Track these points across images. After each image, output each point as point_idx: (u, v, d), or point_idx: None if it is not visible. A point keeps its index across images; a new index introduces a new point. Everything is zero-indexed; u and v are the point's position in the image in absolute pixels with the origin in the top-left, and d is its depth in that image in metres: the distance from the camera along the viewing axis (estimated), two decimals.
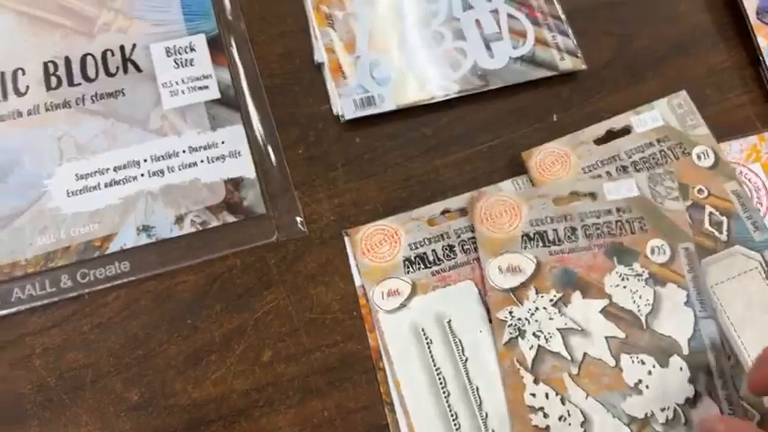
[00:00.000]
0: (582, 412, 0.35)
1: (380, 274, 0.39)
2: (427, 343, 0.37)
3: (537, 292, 0.37)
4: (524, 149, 0.42)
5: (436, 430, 0.35)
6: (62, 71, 0.41)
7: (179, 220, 0.39)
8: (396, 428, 0.36)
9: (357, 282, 0.39)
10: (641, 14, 0.48)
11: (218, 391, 0.36)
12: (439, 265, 0.39)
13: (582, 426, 0.35)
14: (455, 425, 0.35)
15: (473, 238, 0.39)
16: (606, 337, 0.37)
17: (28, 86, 0.41)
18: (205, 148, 0.41)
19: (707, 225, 0.39)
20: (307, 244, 0.40)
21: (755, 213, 0.40)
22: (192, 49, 0.43)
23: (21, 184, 0.39)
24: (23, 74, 0.41)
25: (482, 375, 0.36)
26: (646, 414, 0.35)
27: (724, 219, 0.40)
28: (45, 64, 0.41)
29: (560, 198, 0.40)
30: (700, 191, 0.40)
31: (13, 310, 0.36)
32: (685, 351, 0.36)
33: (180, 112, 0.41)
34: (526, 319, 0.37)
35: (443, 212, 0.40)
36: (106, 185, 0.39)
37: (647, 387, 0.36)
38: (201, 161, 0.40)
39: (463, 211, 0.40)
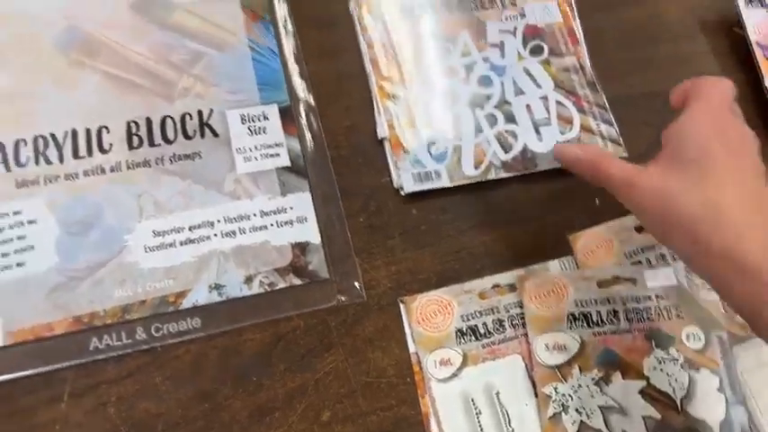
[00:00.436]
0: None
1: (434, 343, 0.41)
2: (476, 412, 0.40)
3: (580, 371, 0.40)
4: (569, 230, 0.45)
5: None
6: (143, 131, 0.44)
7: (248, 280, 0.42)
8: None
9: (411, 348, 0.41)
10: None
11: None
12: (489, 337, 0.41)
13: None
14: None
15: (522, 314, 0.42)
16: (644, 417, 0.39)
17: (111, 144, 0.44)
18: (275, 213, 0.43)
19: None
20: (365, 309, 0.42)
21: None
22: (266, 118, 0.46)
23: (102, 238, 0.41)
24: (107, 132, 0.44)
25: None
26: None
27: None
28: (128, 123, 0.44)
29: (604, 281, 0.43)
30: None
31: (91, 359, 0.39)
32: None
33: (252, 178, 0.44)
34: (570, 395, 0.40)
35: (494, 287, 0.43)
36: (182, 243, 0.42)
37: None
38: (271, 225, 0.43)
39: (512, 287, 0.43)
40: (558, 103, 0.50)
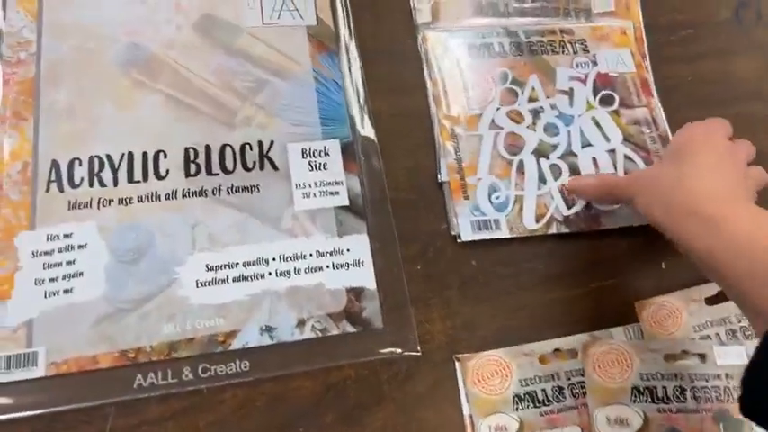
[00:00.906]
0: None
1: (489, 407, 0.39)
2: None
3: None
4: (633, 294, 0.43)
5: None
6: (201, 159, 0.43)
7: (300, 323, 0.40)
8: None
9: (465, 410, 0.39)
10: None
11: None
12: (548, 405, 0.39)
13: None
14: None
15: (583, 382, 0.40)
16: None
17: (168, 170, 0.42)
18: (331, 254, 0.42)
19: None
20: (418, 364, 0.40)
21: None
22: (327, 154, 0.44)
23: (153, 268, 0.40)
24: (165, 157, 0.43)
25: None
26: None
27: None
28: (186, 150, 0.43)
29: (671, 355, 0.41)
30: None
31: (135, 396, 0.37)
32: None
33: (310, 215, 0.42)
34: None
35: (555, 351, 0.41)
36: (234, 280, 0.40)
37: None
38: (327, 266, 0.41)
39: (574, 353, 0.41)
40: (627, 157, 0.48)
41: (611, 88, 0.51)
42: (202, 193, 0.42)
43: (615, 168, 0.47)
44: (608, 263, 0.45)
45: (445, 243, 0.44)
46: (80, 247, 0.40)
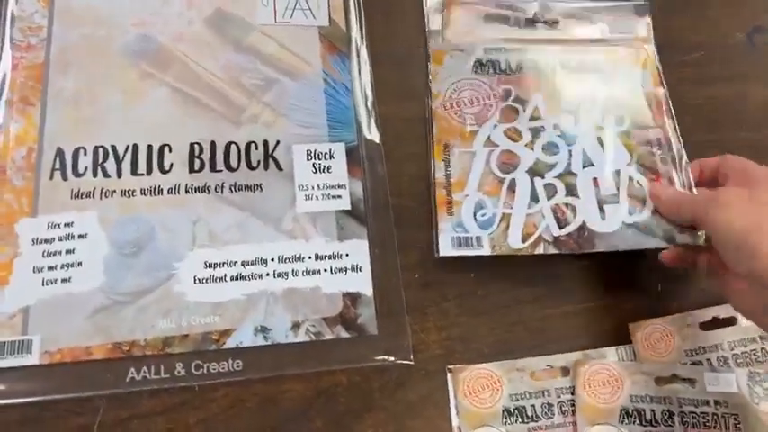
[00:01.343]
0: None
1: (478, 420, 0.39)
2: None
3: None
4: (628, 315, 0.43)
5: None
6: (206, 155, 0.43)
7: (295, 326, 0.40)
8: None
9: (454, 422, 0.40)
10: None
11: None
12: (536, 421, 0.40)
13: None
14: None
15: (572, 400, 0.40)
16: None
17: (172, 164, 0.42)
18: (330, 258, 0.42)
19: None
20: (411, 373, 0.41)
21: None
22: (332, 157, 0.44)
23: (152, 262, 0.40)
24: (170, 151, 0.43)
25: None
26: None
27: None
28: (191, 145, 0.43)
29: (662, 378, 0.41)
30: None
31: (127, 390, 0.37)
32: None
33: (311, 218, 0.42)
34: None
35: (547, 367, 0.41)
36: (232, 278, 0.40)
37: None
38: (325, 270, 0.41)
39: (566, 370, 0.41)
40: (632, 179, 0.46)
41: (623, 108, 0.49)
42: (205, 189, 0.42)
43: (618, 190, 0.46)
44: (605, 283, 0.45)
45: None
46: (80, 236, 0.40)
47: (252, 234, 0.42)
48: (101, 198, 0.41)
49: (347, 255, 0.42)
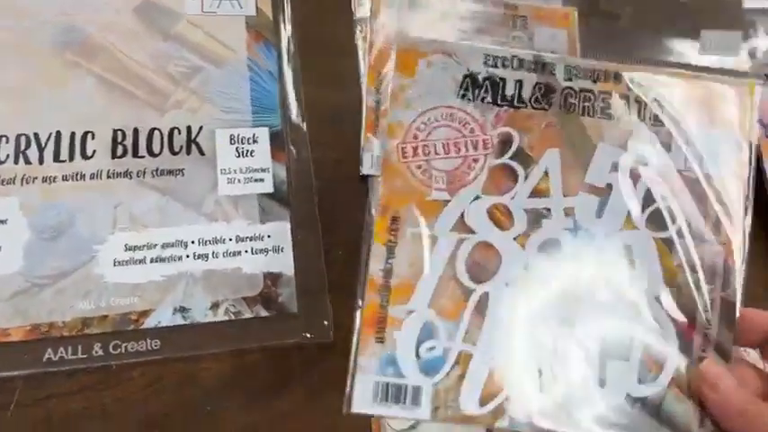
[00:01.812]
0: None
1: None
2: None
3: None
4: None
5: None
6: (129, 141, 0.43)
7: (215, 306, 0.41)
8: None
9: None
10: None
11: None
12: None
13: None
14: None
15: None
16: None
17: (95, 151, 0.43)
18: (251, 240, 0.43)
19: None
20: (330, 349, 0.41)
21: None
22: (255, 141, 0.45)
23: (72, 246, 0.40)
24: (93, 138, 0.43)
25: None
26: None
27: None
28: (114, 131, 0.44)
29: None
30: None
31: (44, 370, 0.38)
32: None
33: (233, 201, 0.43)
34: None
35: None
36: (152, 261, 0.41)
37: None
38: (246, 251, 0.42)
39: None
40: (658, 321, 0.32)
41: (678, 200, 0.33)
42: (127, 174, 0.43)
43: (632, 337, 0.31)
44: None
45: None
46: (0, 222, 0.40)
47: (172, 217, 0.42)
48: (22, 185, 0.41)
49: (269, 236, 0.43)
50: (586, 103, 0.33)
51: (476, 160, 0.33)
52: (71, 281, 0.40)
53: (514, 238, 0.32)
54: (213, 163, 0.44)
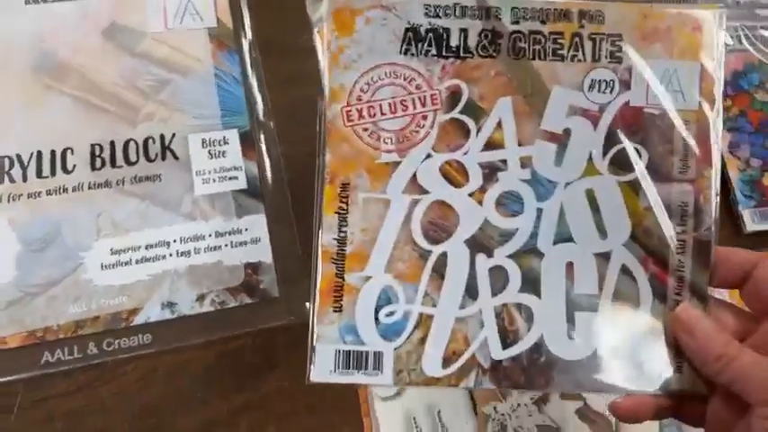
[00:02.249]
0: None
1: None
2: (417, 430, 0.40)
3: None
4: None
5: None
6: (107, 154, 0.46)
7: (200, 298, 0.43)
8: None
9: None
10: None
11: None
12: None
13: None
14: None
15: None
16: None
17: (75, 165, 0.45)
18: (229, 234, 0.45)
19: None
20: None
21: None
22: (226, 142, 0.48)
23: (60, 255, 0.43)
24: (72, 153, 0.46)
25: None
26: None
27: None
28: (92, 146, 0.46)
29: None
30: None
31: (42, 372, 0.40)
32: None
33: (209, 199, 0.46)
34: (508, 414, 0.41)
35: None
36: (137, 262, 0.43)
37: None
38: (225, 245, 0.45)
39: None
40: (625, 271, 0.31)
41: (641, 138, 0.31)
42: (107, 184, 0.45)
43: (600, 288, 0.31)
44: None
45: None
46: None
47: (153, 220, 0.45)
48: (9, 202, 0.44)
49: (246, 229, 0.45)
50: (537, 46, 0.32)
51: (425, 117, 0.31)
52: (62, 287, 0.42)
53: (470, 195, 0.31)
54: (188, 166, 0.46)
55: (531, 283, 0.31)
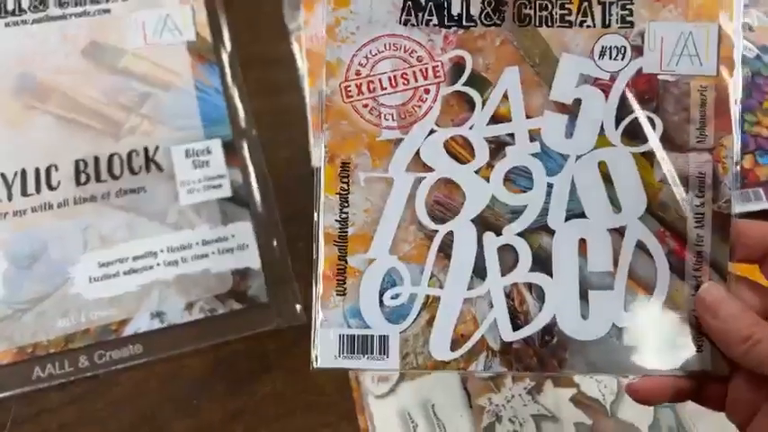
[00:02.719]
0: None
1: None
2: (413, 426, 0.40)
3: (513, 380, 0.41)
4: None
5: None
6: (91, 169, 0.46)
7: (189, 306, 0.43)
8: None
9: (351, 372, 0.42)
10: None
11: None
12: None
13: None
14: None
15: None
16: (575, 424, 0.40)
17: (60, 182, 0.46)
18: (216, 242, 0.45)
19: None
20: (305, 331, 0.43)
21: None
22: (209, 152, 0.48)
23: (47, 271, 0.43)
24: (56, 170, 0.46)
25: None
26: None
27: None
28: (76, 162, 0.46)
29: None
30: None
31: (34, 387, 0.40)
32: None
33: (195, 209, 0.46)
34: (503, 405, 0.41)
35: None
36: (125, 273, 0.43)
37: None
38: (212, 253, 0.45)
39: None
40: (641, 246, 0.29)
41: (655, 107, 0.30)
42: (92, 198, 0.46)
43: (615, 265, 0.30)
44: None
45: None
46: None
47: (139, 231, 0.45)
48: None
49: (233, 236, 0.46)
50: (543, 12, 0.30)
51: (427, 91, 0.30)
52: (50, 302, 0.42)
53: (476, 171, 0.30)
54: (172, 177, 0.47)
55: (542, 262, 0.29)
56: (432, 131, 0.30)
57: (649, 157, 0.30)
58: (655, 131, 0.29)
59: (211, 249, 0.45)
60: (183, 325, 0.42)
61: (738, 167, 0.29)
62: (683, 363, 0.29)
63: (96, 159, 0.47)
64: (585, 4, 0.30)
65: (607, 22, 0.30)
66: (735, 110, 0.29)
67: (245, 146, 0.49)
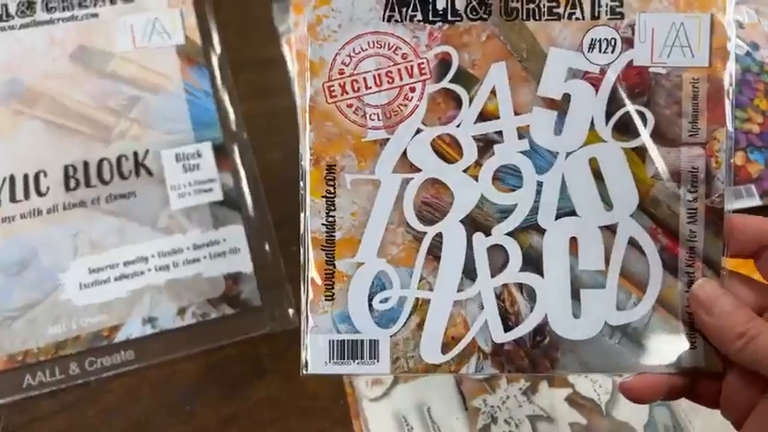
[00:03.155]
0: None
1: None
2: (408, 429, 0.40)
3: (508, 381, 0.41)
4: None
5: None
6: (80, 174, 0.46)
7: (181, 311, 0.43)
8: None
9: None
10: None
11: None
12: None
13: None
14: None
15: None
16: (570, 424, 0.40)
17: (48, 187, 0.45)
18: (207, 246, 0.45)
19: None
20: (299, 334, 0.43)
21: None
22: (199, 156, 0.48)
23: (37, 277, 0.43)
24: (45, 176, 0.46)
25: None
26: None
27: None
28: (65, 167, 0.46)
29: None
30: None
31: (25, 395, 0.39)
32: None
33: (186, 213, 0.46)
34: (498, 406, 0.40)
35: None
36: (116, 279, 0.43)
37: None
38: (204, 257, 0.44)
39: None
40: (633, 243, 0.29)
41: (647, 100, 0.29)
42: (82, 204, 0.45)
43: (606, 263, 0.29)
44: None
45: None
46: None
47: (130, 236, 0.44)
48: None
49: (224, 240, 0.45)
50: (531, 5, 0.29)
51: (412, 89, 0.29)
52: (41, 309, 0.42)
53: (465, 170, 0.29)
54: (163, 181, 0.46)
55: (533, 262, 0.29)
56: (418, 131, 0.29)
57: (641, 152, 0.29)
58: (646, 126, 0.29)
59: (203, 254, 0.45)
60: (176, 330, 0.42)
61: (731, 162, 0.29)
62: (677, 360, 0.29)
63: (86, 164, 0.46)
64: None
65: (596, 14, 0.29)
66: (729, 102, 0.29)
67: (236, 149, 0.49)
